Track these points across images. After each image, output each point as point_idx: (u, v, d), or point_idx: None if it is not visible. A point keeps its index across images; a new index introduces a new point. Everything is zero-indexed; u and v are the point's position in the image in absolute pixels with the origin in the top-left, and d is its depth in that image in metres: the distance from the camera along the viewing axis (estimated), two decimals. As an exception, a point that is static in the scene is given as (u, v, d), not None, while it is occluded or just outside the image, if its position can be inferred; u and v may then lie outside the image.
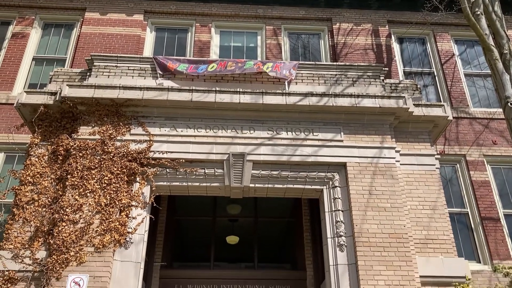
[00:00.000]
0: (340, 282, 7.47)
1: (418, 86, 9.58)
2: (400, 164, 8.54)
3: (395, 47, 13.00)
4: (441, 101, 11.81)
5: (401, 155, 8.63)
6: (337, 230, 7.89)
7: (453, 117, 10.96)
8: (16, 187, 7.87)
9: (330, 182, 8.33)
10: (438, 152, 10.39)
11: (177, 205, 10.78)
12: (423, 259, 7.77)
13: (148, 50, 12.52)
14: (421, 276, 7.59)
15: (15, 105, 8.45)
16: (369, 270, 7.41)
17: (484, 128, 11.30)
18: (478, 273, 9.10)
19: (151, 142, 8.20)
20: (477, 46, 12.88)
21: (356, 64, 9.53)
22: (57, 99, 8.34)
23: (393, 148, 8.51)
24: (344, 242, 7.76)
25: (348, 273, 7.52)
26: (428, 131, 9.07)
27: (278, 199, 9.95)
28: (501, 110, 10.12)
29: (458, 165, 10.86)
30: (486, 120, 11.48)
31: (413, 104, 8.87)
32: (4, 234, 7.50)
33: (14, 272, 7.14)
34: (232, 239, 11.35)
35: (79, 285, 7.01)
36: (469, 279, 7.26)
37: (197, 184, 8.29)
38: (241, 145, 8.38)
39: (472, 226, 10.10)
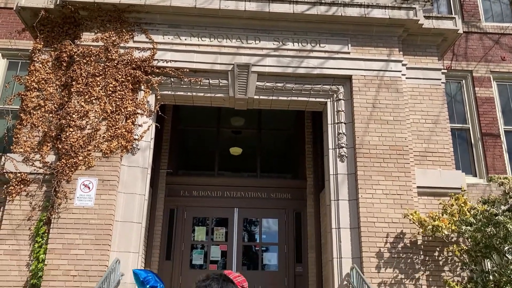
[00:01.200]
0: (339, 190, 7.76)
1: (430, -2, 9.23)
2: (406, 78, 8.49)
3: (410, -45, 12.31)
4: (452, 14, 11.43)
5: (407, 68, 8.55)
6: (339, 141, 8.04)
7: (464, 32, 10.67)
8: (22, 93, 7.93)
9: (335, 95, 8.34)
10: (445, 67, 10.26)
11: (182, 115, 10.89)
12: (421, 170, 8.00)
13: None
14: (418, 187, 7.86)
15: (14, 8, 8.23)
16: (368, 180, 7.66)
17: (494, 44, 11.05)
18: (474, 186, 9.40)
19: (154, 50, 8.10)
20: (496, -44, 12.19)
21: (368, -28, 9.10)
22: (57, 3, 8.09)
23: (400, 61, 8.41)
24: (345, 153, 7.94)
25: (347, 182, 7.79)
26: (437, 44, 8.90)
27: (281, 112, 10.03)
28: (513, 24, 9.85)
29: (463, 81, 10.77)
30: (497, 36, 11.19)
31: (424, 16, 8.61)
32: (13, 138, 7.69)
33: (26, 174, 7.41)
34: (236, 151, 11.58)
35: (89, 187, 7.31)
36: (464, 190, 7.51)
37: (202, 94, 8.30)
38: (246, 55, 8.27)
39: (472, 141, 10.24)
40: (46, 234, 7.12)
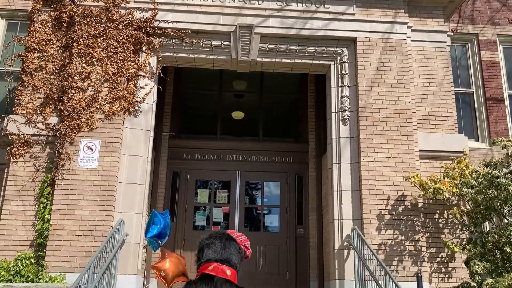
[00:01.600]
0: (341, 153, 7.78)
1: (438, -43, 8.97)
2: (411, 40, 8.36)
3: None
4: (460, -25, 11.13)
5: (412, 31, 8.41)
6: (342, 105, 8.00)
7: (471, -7, 10.44)
8: (23, 54, 7.85)
9: (339, 58, 8.24)
10: (451, 30, 10.08)
11: (183, 78, 10.80)
12: (424, 134, 8.00)
13: None
14: (420, 150, 7.88)
15: (11, -33, 8.04)
16: (370, 143, 7.67)
17: (502, 6, 10.81)
18: (476, 150, 9.40)
19: (156, 11, 7.96)
20: None
21: None
22: (56, -39, 7.91)
23: (406, 23, 8.27)
24: (348, 116, 7.92)
25: (349, 145, 7.81)
26: (443, 6, 8.74)
27: (284, 75, 9.94)
28: (523, -14, 9.60)
29: (469, 44, 10.59)
30: (505, -3, 10.94)
31: (431, -24, 8.42)
32: (15, 100, 7.66)
33: (28, 135, 7.43)
34: (238, 115, 11.55)
35: (92, 149, 7.34)
36: (466, 154, 7.53)
37: (204, 56, 8.21)
38: (249, 16, 8.13)
39: (476, 106, 10.17)
40: (50, 195, 7.20)
